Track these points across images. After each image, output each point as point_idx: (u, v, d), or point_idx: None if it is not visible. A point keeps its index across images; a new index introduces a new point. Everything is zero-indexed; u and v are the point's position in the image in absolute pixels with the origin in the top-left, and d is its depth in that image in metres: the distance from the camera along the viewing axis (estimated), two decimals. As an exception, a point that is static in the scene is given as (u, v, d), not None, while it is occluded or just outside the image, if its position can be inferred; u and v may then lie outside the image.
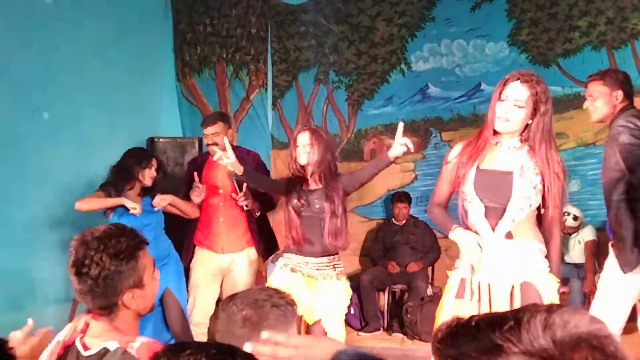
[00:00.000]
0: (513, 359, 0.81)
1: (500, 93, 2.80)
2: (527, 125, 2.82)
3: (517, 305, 2.68)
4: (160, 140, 6.14)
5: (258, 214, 4.55)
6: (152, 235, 3.95)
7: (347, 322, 3.92)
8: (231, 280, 4.57)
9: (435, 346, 0.90)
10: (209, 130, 4.46)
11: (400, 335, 5.64)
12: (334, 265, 3.76)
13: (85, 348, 1.83)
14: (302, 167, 3.79)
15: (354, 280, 5.90)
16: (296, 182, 3.81)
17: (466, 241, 2.81)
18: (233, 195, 4.44)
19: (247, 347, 1.31)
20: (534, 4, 5.87)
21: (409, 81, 6.32)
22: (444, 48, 6.21)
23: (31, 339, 2.09)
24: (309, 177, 3.80)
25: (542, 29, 5.87)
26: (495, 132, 2.87)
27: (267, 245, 4.67)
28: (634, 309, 3.70)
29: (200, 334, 4.59)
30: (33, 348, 2.05)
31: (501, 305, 2.76)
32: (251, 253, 4.59)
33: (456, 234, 2.86)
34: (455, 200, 3.04)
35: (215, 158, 3.76)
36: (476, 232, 2.85)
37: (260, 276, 4.96)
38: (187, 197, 4.55)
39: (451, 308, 2.88)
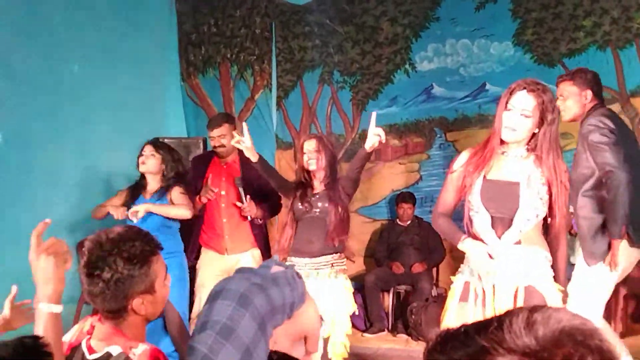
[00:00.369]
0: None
1: (507, 102, 2.78)
2: (533, 134, 2.80)
3: None
4: (165, 140, 6.14)
5: (261, 221, 4.55)
6: None
7: (352, 323, 3.92)
8: None
9: (425, 356, 0.91)
10: (215, 132, 4.47)
11: (405, 336, 5.63)
12: (332, 264, 3.82)
13: (91, 351, 1.83)
14: (309, 173, 3.94)
15: (359, 281, 5.91)
16: (302, 188, 3.93)
17: (477, 252, 2.80)
18: (238, 204, 4.44)
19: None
20: (538, 4, 5.85)
21: (413, 81, 6.31)
22: (448, 48, 6.20)
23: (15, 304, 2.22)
24: (313, 179, 3.94)
25: (546, 29, 5.85)
26: (502, 142, 2.86)
27: (268, 248, 4.68)
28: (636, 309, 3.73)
29: None
30: (13, 309, 2.20)
31: (505, 308, 2.75)
32: (256, 254, 4.59)
33: (466, 245, 2.85)
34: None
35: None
36: (482, 242, 2.85)
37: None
38: (197, 193, 4.56)
39: (455, 311, 2.88)
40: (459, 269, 2.99)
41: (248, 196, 4.38)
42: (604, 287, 3.66)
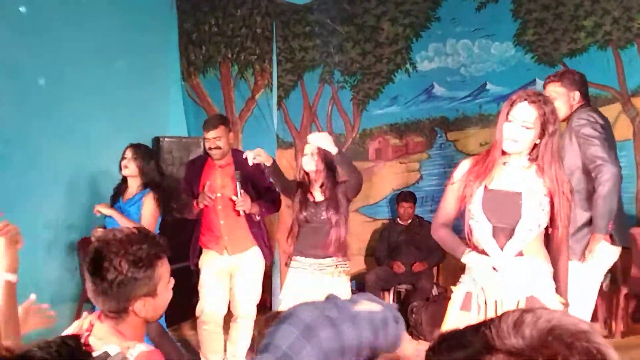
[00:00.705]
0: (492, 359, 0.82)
1: (508, 114, 2.76)
2: (535, 145, 2.79)
3: None
4: (166, 139, 6.16)
5: (258, 218, 4.56)
6: None
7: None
8: (240, 280, 4.58)
9: (426, 356, 0.91)
10: (211, 134, 4.47)
11: (406, 335, 5.63)
12: (336, 264, 3.99)
13: (88, 349, 1.83)
14: (307, 173, 4.01)
15: (359, 280, 5.91)
16: (302, 191, 4.03)
17: (481, 266, 2.79)
18: (233, 197, 4.44)
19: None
20: (539, 4, 5.85)
21: (414, 81, 6.31)
22: (449, 48, 6.20)
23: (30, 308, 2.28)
24: (313, 184, 4.02)
25: (547, 29, 5.85)
26: (503, 152, 2.84)
27: (268, 247, 4.69)
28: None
29: (214, 334, 4.61)
30: (25, 312, 2.23)
31: None
32: (257, 252, 4.60)
33: (470, 258, 2.83)
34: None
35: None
36: (483, 251, 2.84)
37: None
38: (189, 197, 4.57)
39: (456, 319, 2.87)
40: (460, 279, 2.98)
41: (242, 191, 4.38)
42: (588, 286, 3.66)
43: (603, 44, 5.64)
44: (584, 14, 5.70)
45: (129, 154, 4.36)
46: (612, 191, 3.54)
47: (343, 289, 3.97)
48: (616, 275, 5.48)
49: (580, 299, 3.57)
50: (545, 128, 2.74)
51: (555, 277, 2.86)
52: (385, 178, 6.41)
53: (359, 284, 6.04)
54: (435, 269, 6.04)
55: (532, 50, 5.90)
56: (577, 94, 3.75)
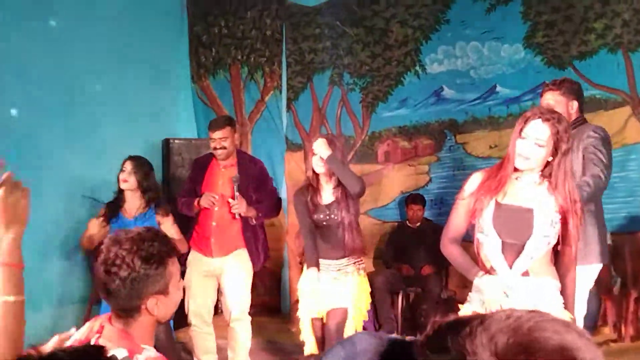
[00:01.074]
0: None
1: (521, 130, 2.74)
2: (547, 162, 2.78)
3: None
4: (176, 141, 6.19)
5: (254, 222, 4.56)
6: None
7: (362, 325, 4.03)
8: (226, 284, 4.59)
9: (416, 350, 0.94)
10: (217, 134, 4.49)
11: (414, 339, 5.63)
12: (354, 262, 4.06)
13: None
14: (317, 175, 4.02)
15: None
16: (312, 193, 4.04)
17: (494, 289, 2.78)
18: (230, 200, 4.45)
19: None
20: (549, 6, 5.83)
21: (423, 83, 6.31)
22: (458, 50, 6.19)
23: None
24: (323, 185, 4.04)
25: (557, 31, 5.83)
26: (515, 168, 2.83)
27: (259, 252, 4.68)
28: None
29: (202, 334, 4.62)
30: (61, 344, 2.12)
31: None
32: (242, 254, 4.59)
33: (483, 281, 2.81)
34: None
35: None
36: (491, 267, 2.83)
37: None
38: (190, 195, 4.59)
39: None
40: (468, 298, 2.97)
41: (238, 194, 4.40)
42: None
43: (613, 47, 5.61)
44: (594, 17, 5.67)
45: (128, 166, 4.35)
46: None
47: (363, 288, 4.07)
48: (626, 279, 5.47)
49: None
50: (558, 146, 2.72)
51: (563, 293, 2.86)
52: (394, 181, 6.40)
53: (368, 286, 6.04)
54: (444, 272, 6.03)
55: (541, 52, 5.88)
56: (575, 104, 3.73)
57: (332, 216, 4.00)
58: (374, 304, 5.78)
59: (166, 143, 6.16)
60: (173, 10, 6.85)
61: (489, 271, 2.86)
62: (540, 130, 2.71)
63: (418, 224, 6.07)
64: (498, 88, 6.02)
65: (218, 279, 4.63)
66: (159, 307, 1.90)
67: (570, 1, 5.75)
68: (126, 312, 1.89)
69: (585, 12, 5.71)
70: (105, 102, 5.55)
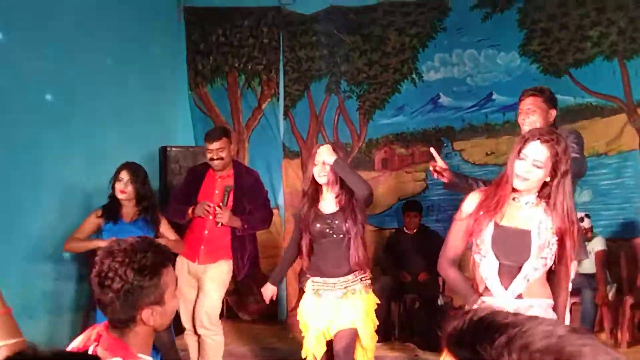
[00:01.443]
0: None
1: (520, 151, 2.73)
2: (544, 183, 2.77)
3: None
4: (173, 149, 6.19)
5: (240, 233, 4.56)
6: None
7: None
8: (200, 291, 4.58)
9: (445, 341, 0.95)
10: (215, 145, 4.50)
11: (412, 345, 5.64)
12: (360, 278, 3.76)
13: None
14: (318, 184, 3.77)
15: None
16: (311, 202, 3.77)
17: None
18: (215, 207, 4.45)
19: None
20: (545, 14, 5.87)
21: (420, 91, 6.34)
22: (455, 58, 6.23)
23: None
24: (324, 195, 3.78)
25: (553, 39, 5.88)
26: (513, 188, 2.82)
27: (243, 263, 4.65)
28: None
29: (192, 337, 4.62)
30: None
31: None
32: (224, 266, 4.58)
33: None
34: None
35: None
36: (485, 287, 2.83)
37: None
38: (182, 202, 4.60)
39: None
40: None
41: (224, 204, 4.41)
42: None
43: (609, 55, 5.65)
44: (590, 24, 5.72)
45: (125, 176, 4.32)
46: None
47: (372, 306, 3.81)
48: (622, 285, 5.49)
49: None
50: (557, 168, 2.71)
51: (555, 310, 2.86)
52: (392, 188, 6.42)
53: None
54: (441, 279, 6.03)
55: (537, 60, 5.92)
56: (554, 113, 3.77)
57: (335, 227, 3.69)
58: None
59: (163, 151, 6.16)
60: (170, 18, 6.86)
61: (483, 292, 2.86)
62: (539, 152, 2.70)
63: (415, 230, 6.08)
64: (494, 95, 6.06)
65: (198, 284, 4.63)
66: (155, 317, 1.89)
67: (566, 9, 5.79)
68: (122, 322, 1.89)
69: (581, 20, 5.75)
70: (102, 110, 5.55)
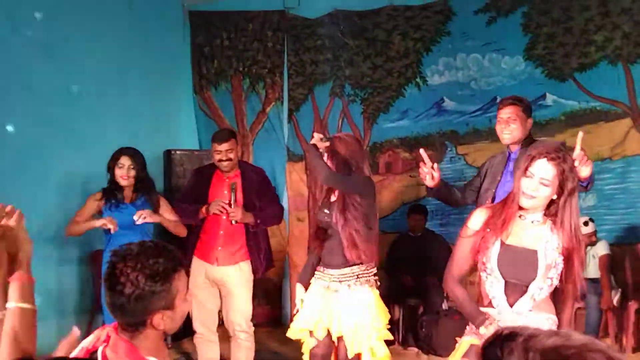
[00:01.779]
0: None
1: (526, 169, 2.72)
2: (551, 201, 2.76)
3: None
4: (177, 152, 6.21)
5: (253, 229, 4.58)
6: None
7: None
8: (228, 294, 4.59)
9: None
10: (223, 146, 4.51)
11: (416, 349, 5.63)
12: (357, 275, 3.71)
13: (105, 359, 1.86)
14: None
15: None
16: (326, 194, 3.83)
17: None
18: (227, 207, 4.45)
19: None
20: (549, 19, 5.86)
21: (424, 95, 6.33)
22: (459, 62, 6.22)
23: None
24: None
25: (557, 43, 5.86)
26: (520, 206, 2.81)
27: (260, 261, 4.68)
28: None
29: (206, 342, 4.64)
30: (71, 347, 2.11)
31: None
32: (244, 267, 4.61)
33: (488, 333, 2.69)
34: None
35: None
36: (490, 304, 2.82)
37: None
38: (191, 202, 4.62)
39: None
40: (466, 331, 2.92)
41: (234, 201, 4.42)
42: None
43: (613, 59, 5.64)
44: (594, 29, 5.71)
45: (125, 162, 4.44)
46: None
47: (362, 299, 3.68)
48: (627, 290, 5.47)
49: None
50: (565, 185, 2.70)
51: (560, 327, 2.83)
52: (396, 191, 6.42)
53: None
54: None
55: (542, 64, 5.91)
56: (530, 122, 3.82)
57: (331, 217, 3.70)
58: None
59: (168, 154, 6.18)
60: (175, 21, 6.88)
61: (488, 306, 2.84)
62: (546, 170, 2.69)
63: (419, 234, 6.08)
64: (499, 100, 6.03)
65: (220, 288, 4.63)
66: (165, 321, 1.89)
67: (571, 13, 5.78)
68: (132, 326, 1.88)
69: (586, 25, 5.74)
70: (107, 113, 5.57)
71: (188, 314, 4.31)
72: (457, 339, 2.97)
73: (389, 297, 5.83)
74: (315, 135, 3.79)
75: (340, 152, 3.73)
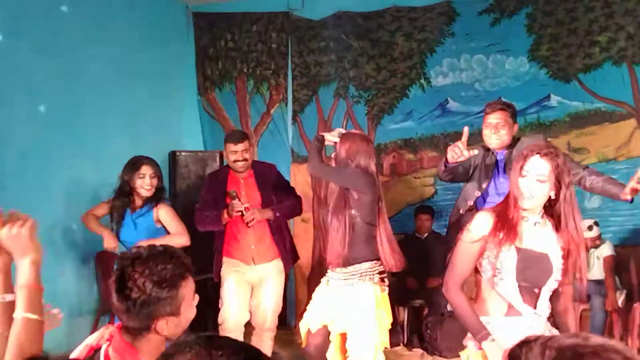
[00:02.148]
0: None
1: (521, 168, 2.71)
2: (549, 198, 2.74)
3: None
4: (182, 154, 6.22)
5: (274, 221, 4.59)
6: None
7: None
8: (265, 293, 4.59)
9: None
10: (239, 147, 4.52)
11: (420, 351, 5.62)
12: (360, 273, 3.66)
13: (107, 358, 1.87)
14: None
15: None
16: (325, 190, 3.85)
17: (497, 356, 2.64)
18: (242, 213, 4.42)
19: None
20: (553, 20, 5.87)
21: (428, 96, 6.34)
22: (463, 63, 6.22)
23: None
24: None
25: (562, 45, 5.87)
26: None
27: (288, 254, 4.71)
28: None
29: (234, 336, 4.63)
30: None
31: None
32: (279, 264, 4.63)
33: (490, 347, 2.67)
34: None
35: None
36: (510, 307, 2.74)
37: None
38: (211, 208, 4.58)
39: None
40: (464, 340, 2.86)
41: (247, 205, 4.43)
42: None
43: (618, 60, 5.64)
44: (599, 30, 5.71)
45: (147, 171, 4.42)
46: None
47: (363, 297, 3.62)
48: (632, 291, 5.46)
49: None
50: (561, 179, 2.67)
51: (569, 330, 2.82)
52: (400, 193, 6.42)
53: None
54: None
55: (546, 65, 5.91)
56: (516, 127, 3.88)
57: (328, 217, 3.69)
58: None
59: (172, 155, 6.19)
60: (179, 23, 6.89)
61: (509, 312, 2.75)
62: (541, 166, 2.68)
63: (426, 234, 6.08)
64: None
65: (253, 287, 4.62)
66: (169, 327, 1.90)
67: (575, 14, 5.78)
68: (136, 329, 1.90)
69: (590, 26, 5.74)
70: (112, 115, 5.58)
71: (207, 315, 4.29)
72: (463, 343, 2.95)
73: (394, 298, 5.83)
74: (337, 129, 3.84)
75: (340, 147, 3.75)
